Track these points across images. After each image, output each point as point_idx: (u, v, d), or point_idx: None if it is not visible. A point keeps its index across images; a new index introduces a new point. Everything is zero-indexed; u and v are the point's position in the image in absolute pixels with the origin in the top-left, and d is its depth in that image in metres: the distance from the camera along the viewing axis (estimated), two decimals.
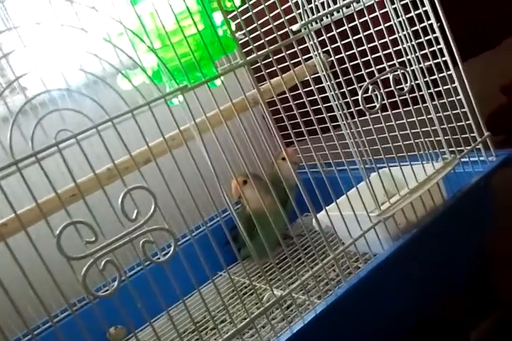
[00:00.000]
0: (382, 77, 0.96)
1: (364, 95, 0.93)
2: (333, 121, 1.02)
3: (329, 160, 0.97)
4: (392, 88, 0.97)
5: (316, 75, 1.14)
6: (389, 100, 0.98)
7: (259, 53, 0.83)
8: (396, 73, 0.96)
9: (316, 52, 1.02)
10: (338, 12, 0.95)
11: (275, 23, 0.89)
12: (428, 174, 1.02)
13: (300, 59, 0.93)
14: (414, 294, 1.00)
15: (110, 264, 0.66)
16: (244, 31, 0.87)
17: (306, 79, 0.98)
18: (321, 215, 0.97)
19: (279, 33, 0.88)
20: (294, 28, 0.90)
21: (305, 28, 0.90)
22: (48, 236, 0.64)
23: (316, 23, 0.94)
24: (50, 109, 0.80)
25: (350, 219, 0.95)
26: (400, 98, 1.02)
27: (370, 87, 0.91)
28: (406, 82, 0.99)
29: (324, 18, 0.94)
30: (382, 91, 0.94)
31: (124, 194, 0.67)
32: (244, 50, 0.86)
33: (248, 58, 0.83)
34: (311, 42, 1.03)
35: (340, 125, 1.08)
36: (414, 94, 1.06)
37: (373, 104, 0.95)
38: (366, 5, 0.97)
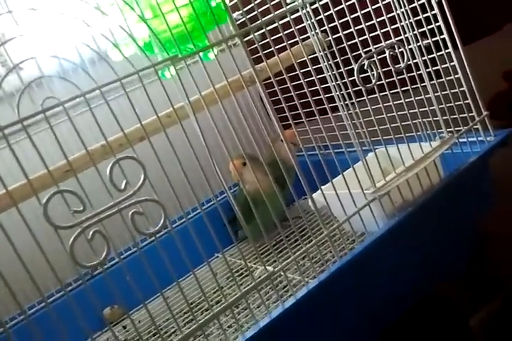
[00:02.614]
0: (378, 54, 0.95)
1: (361, 75, 0.92)
2: (332, 102, 1.01)
3: (327, 142, 0.97)
4: (389, 65, 0.96)
5: (314, 55, 1.13)
6: (386, 80, 0.97)
7: (252, 25, 0.82)
8: (393, 50, 0.95)
9: (313, 32, 1.00)
10: None
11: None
12: (425, 152, 1.01)
13: (297, 39, 0.92)
14: (410, 273, 0.99)
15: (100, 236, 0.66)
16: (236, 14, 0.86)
17: (303, 59, 0.97)
18: (316, 195, 0.96)
19: (276, 12, 0.87)
20: (289, 0, 0.89)
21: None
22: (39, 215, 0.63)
23: None
24: (44, 86, 0.79)
25: (345, 197, 0.94)
26: (398, 77, 1.01)
27: (366, 62, 0.90)
28: (403, 60, 0.98)
29: None
30: (378, 68, 0.93)
31: (112, 163, 0.66)
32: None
33: (241, 30, 0.81)
34: (309, 22, 1.01)
35: (338, 106, 1.07)
36: (412, 74, 1.05)
37: (371, 85, 0.94)
38: None
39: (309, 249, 0.89)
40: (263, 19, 0.84)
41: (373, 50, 0.96)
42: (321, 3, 0.93)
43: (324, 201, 0.94)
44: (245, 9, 1.07)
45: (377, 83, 0.94)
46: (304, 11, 0.94)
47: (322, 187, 0.94)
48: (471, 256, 1.12)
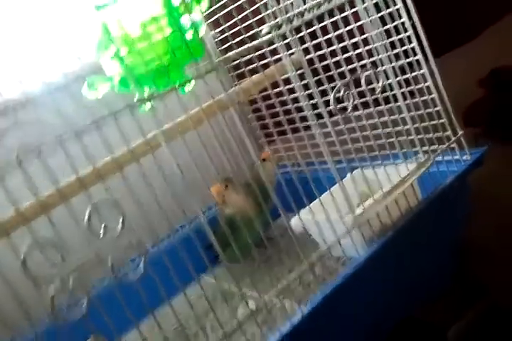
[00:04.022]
0: (354, 77, 0.95)
1: (336, 96, 0.91)
2: (306, 120, 1.01)
3: (299, 160, 0.96)
4: (364, 89, 0.96)
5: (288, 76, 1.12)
6: (361, 99, 0.96)
7: (225, 56, 0.81)
8: (368, 74, 0.94)
9: (286, 53, 0.99)
10: (309, 11, 0.92)
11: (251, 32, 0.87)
12: (402, 175, 1.00)
13: (270, 59, 0.92)
14: (393, 297, 0.99)
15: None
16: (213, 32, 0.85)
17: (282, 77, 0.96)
18: (295, 220, 0.96)
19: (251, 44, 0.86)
20: (264, 30, 0.87)
21: (274, 30, 0.87)
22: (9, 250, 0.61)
23: (287, 24, 0.91)
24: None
25: (324, 223, 0.93)
26: (373, 97, 1.00)
27: (342, 89, 0.89)
28: (378, 82, 0.98)
29: (295, 19, 0.92)
30: (354, 92, 0.92)
31: (90, 210, 0.64)
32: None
33: (220, 59, 0.80)
34: (281, 43, 1.00)
35: (311, 125, 1.06)
36: (386, 94, 1.05)
37: (345, 104, 0.93)
38: (337, 5, 0.95)
39: (290, 282, 0.88)
40: (237, 50, 0.82)
41: (346, 71, 0.96)
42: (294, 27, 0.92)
43: (303, 225, 0.94)
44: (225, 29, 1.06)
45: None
46: (281, 43, 0.93)
47: (300, 212, 0.93)
48: (453, 273, 1.12)
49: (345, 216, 0.94)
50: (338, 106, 0.92)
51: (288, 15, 0.90)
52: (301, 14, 0.90)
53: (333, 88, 0.93)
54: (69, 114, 0.69)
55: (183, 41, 0.76)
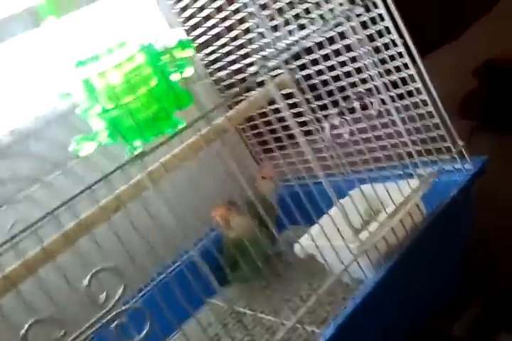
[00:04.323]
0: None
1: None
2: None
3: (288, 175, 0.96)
4: (357, 108, 0.95)
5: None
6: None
7: (217, 104, 0.79)
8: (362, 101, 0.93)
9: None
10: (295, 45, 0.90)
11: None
12: (404, 191, 0.99)
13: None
14: (400, 317, 0.98)
15: None
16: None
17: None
18: (297, 246, 0.99)
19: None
20: (252, 69, 0.86)
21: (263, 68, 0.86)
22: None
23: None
24: None
25: (328, 250, 0.92)
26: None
27: (338, 121, 0.88)
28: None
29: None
30: (348, 118, 0.91)
31: (89, 278, 0.63)
32: None
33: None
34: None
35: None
36: (380, 109, 1.04)
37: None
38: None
39: (300, 318, 0.87)
40: (230, 93, 0.81)
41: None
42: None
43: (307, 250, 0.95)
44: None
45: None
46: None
47: (301, 239, 0.95)
48: (458, 286, 1.11)
49: (350, 243, 0.92)
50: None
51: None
52: (288, 48, 0.88)
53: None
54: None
55: (169, 89, 0.74)
